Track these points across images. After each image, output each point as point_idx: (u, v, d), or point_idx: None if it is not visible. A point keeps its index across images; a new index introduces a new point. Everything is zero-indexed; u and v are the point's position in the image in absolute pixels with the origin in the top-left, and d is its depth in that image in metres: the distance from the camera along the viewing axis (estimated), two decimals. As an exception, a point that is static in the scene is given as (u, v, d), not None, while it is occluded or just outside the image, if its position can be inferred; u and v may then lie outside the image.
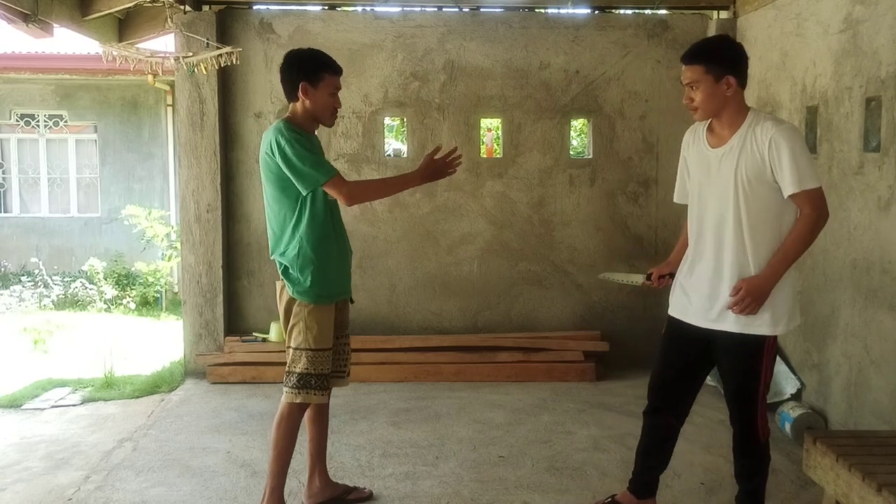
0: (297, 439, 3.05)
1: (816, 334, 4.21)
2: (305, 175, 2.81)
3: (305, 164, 2.80)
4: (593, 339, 5.35)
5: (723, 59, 2.63)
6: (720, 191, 2.66)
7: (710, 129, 2.76)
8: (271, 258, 3.05)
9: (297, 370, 2.96)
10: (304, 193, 2.85)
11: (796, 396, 4.33)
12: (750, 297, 2.59)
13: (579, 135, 9.00)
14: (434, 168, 2.94)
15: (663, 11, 5.49)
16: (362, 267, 5.50)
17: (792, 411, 4.08)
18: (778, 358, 4.50)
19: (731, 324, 2.67)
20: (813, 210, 2.60)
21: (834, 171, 4.04)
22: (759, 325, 2.65)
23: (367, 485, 3.47)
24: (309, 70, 2.90)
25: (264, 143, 2.90)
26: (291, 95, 2.95)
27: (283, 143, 2.80)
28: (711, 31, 5.35)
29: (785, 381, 4.42)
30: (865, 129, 3.77)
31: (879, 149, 3.65)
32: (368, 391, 4.95)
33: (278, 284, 3.04)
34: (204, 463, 3.76)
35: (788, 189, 2.56)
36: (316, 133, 3.08)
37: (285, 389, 3.01)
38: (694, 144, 2.82)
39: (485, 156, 6.19)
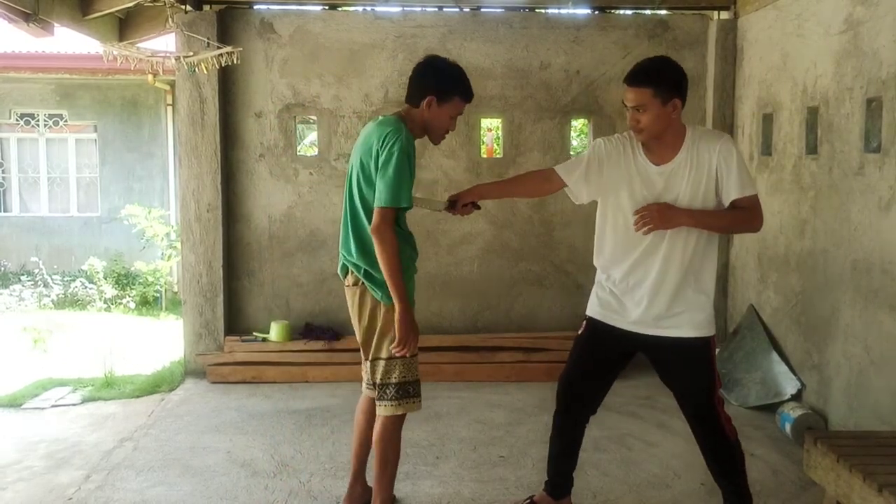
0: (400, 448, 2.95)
1: (817, 335, 4.21)
2: (389, 187, 2.64)
3: (396, 180, 2.63)
4: (593, 340, 5.35)
5: (670, 82, 2.64)
6: None
7: (644, 146, 2.74)
8: (346, 261, 2.88)
9: (395, 380, 2.81)
10: (371, 202, 2.72)
11: (796, 397, 4.33)
12: (659, 213, 2.60)
13: (579, 135, 9.01)
14: (412, 333, 2.76)
15: (664, 12, 5.50)
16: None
17: (792, 412, 4.08)
18: (778, 358, 4.53)
19: (681, 329, 2.72)
20: (752, 210, 2.67)
21: (834, 172, 4.04)
22: (705, 326, 2.74)
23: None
24: (443, 86, 2.80)
25: (374, 136, 2.73)
26: (414, 99, 2.82)
27: (396, 146, 2.65)
28: (712, 32, 5.35)
29: (785, 381, 4.42)
30: (866, 130, 3.77)
31: (880, 149, 3.65)
32: (368, 391, 4.94)
33: (354, 291, 2.86)
34: (204, 462, 3.76)
35: (733, 194, 2.63)
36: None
37: (383, 404, 2.85)
38: (624, 157, 2.76)
39: (485, 156, 6.20)
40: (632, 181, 2.74)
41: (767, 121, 4.84)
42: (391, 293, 2.72)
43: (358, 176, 2.78)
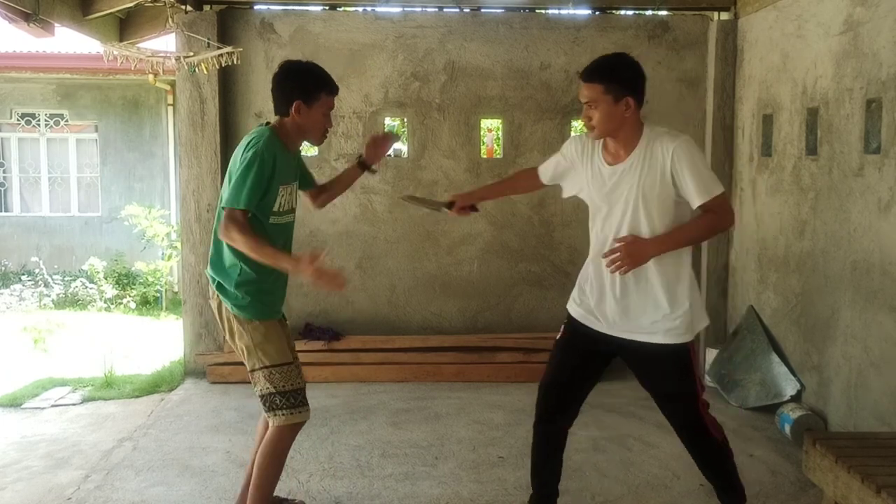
0: (283, 466, 2.89)
1: (816, 336, 4.21)
2: (232, 188, 2.60)
3: (240, 182, 2.59)
4: (593, 340, 5.36)
5: (622, 79, 2.58)
6: (621, 207, 2.63)
7: (604, 145, 2.71)
8: (207, 272, 2.86)
9: (259, 393, 2.77)
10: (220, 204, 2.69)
11: (796, 398, 4.33)
12: (628, 254, 2.54)
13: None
14: (319, 272, 2.49)
15: (664, 13, 5.49)
16: (362, 267, 5.50)
17: (791, 413, 4.08)
18: (778, 359, 4.53)
19: (656, 336, 2.64)
20: (720, 211, 2.59)
21: (834, 173, 4.04)
22: (683, 334, 2.64)
23: (367, 485, 3.48)
24: (306, 88, 2.73)
25: (241, 147, 2.70)
26: (282, 109, 2.75)
27: (251, 151, 2.61)
28: (712, 33, 5.35)
29: (785, 382, 4.42)
30: (866, 131, 3.77)
31: (880, 150, 3.65)
32: (368, 391, 4.95)
33: (213, 303, 2.85)
34: (203, 462, 3.76)
35: (696, 200, 2.55)
36: (301, 148, 2.95)
37: (263, 416, 2.84)
38: (586, 156, 2.76)
39: (485, 156, 6.20)
40: (590, 181, 2.73)
41: (767, 122, 4.83)
42: (270, 265, 2.60)
43: (226, 181, 2.74)
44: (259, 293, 2.74)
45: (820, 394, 4.17)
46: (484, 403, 4.70)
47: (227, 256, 2.73)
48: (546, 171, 2.97)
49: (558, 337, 2.90)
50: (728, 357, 4.94)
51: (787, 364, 4.49)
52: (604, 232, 2.70)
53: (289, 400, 2.73)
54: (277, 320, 2.87)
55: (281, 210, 2.76)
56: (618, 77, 2.58)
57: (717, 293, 5.40)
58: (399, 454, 3.88)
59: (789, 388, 4.37)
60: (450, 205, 3.03)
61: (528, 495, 3.19)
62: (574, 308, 2.85)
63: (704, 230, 2.66)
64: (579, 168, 2.80)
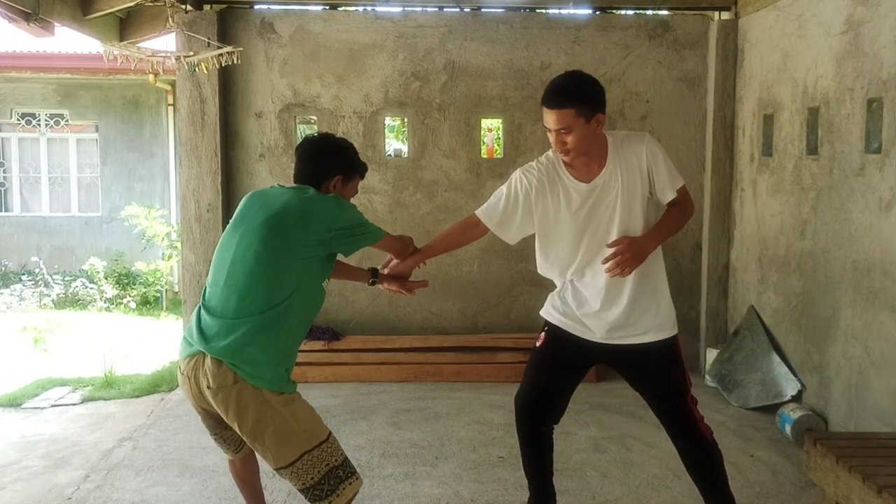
0: None
1: (817, 336, 4.21)
2: (361, 232, 2.62)
3: (359, 224, 2.61)
4: (593, 340, 5.35)
5: (591, 98, 2.53)
6: (608, 218, 2.61)
7: (567, 165, 2.66)
8: (210, 348, 2.37)
9: (319, 475, 2.38)
10: (349, 254, 2.65)
11: (797, 398, 4.32)
12: (631, 253, 2.51)
13: (580, 135, 9.00)
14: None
15: (664, 12, 5.49)
16: (363, 267, 5.49)
17: (792, 413, 4.08)
18: (778, 359, 4.53)
19: (645, 336, 2.64)
20: (686, 201, 2.66)
21: (835, 173, 4.04)
22: (668, 328, 2.66)
23: (367, 485, 3.47)
24: (348, 166, 2.69)
25: (312, 209, 2.48)
26: (316, 179, 2.61)
27: (347, 212, 2.56)
28: (713, 32, 5.35)
29: (785, 382, 4.41)
30: (867, 131, 3.77)
31: (881, 150, 3.65)
32: (368, 391, 4.95)
33: (229, 393, 2.30)
34: (203, 462, 3.76)
35: (669, 194, 2.59)
36: None
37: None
38: (551, 182, 2.65)
39: (485, 156, 6.19)
40: (562, 206, 2.65)
41: (768, 121, 4.83)
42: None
43: (256, 242, 2.46)
44: (293, 357, 2.52)
45: (821, 394, 4.17)
46: (484, 403, 4.70)
47: (268, 327, 2.39)
48: (491, 215, 2.76)
49: (538, 345, 2.84)
50: (728, 357, 4.94)
51: (788, 364, 4.49)
52: (591, 248, 2.64)
53: (349, 466, 2.48)
54: None
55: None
56: (586, 96, 2.54)
57: (717, 293, 5.40)
58: (399, 454, 3.88)
59: (790, 388, 4.36)
60: (374, 273, 3.01)
61: (526, 495, 3.20)
62: (555, 316, 2.77)
63: (680, 220, 2.68)
64: (541, 199, 2.68)
